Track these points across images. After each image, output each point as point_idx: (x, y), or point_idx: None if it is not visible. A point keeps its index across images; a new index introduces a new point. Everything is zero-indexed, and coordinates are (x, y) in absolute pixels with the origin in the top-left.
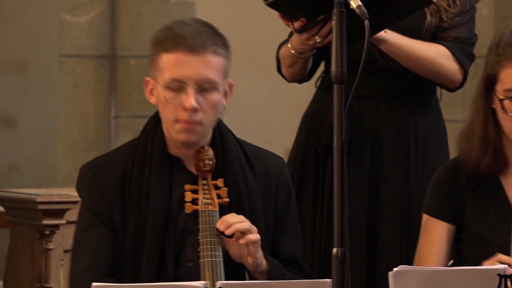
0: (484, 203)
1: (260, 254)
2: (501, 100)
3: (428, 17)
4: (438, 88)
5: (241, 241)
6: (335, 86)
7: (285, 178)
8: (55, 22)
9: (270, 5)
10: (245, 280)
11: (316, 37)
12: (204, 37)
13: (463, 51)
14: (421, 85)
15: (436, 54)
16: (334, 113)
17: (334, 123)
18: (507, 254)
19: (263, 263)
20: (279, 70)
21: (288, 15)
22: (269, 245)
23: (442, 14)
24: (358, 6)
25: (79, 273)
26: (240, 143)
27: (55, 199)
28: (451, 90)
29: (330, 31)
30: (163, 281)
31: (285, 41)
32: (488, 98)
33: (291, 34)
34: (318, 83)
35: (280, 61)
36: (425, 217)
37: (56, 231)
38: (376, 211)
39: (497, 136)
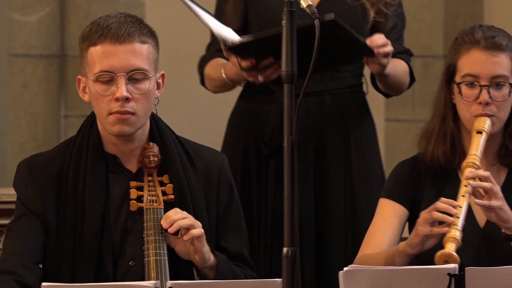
0: (441, 195)
1: (206, 249)
2: (458, 85)
3: (371, 13)
4: (364, 83)
5: (185, 237)
6: (285, 85)
7: (226, 174)
8: (4, 21)
9: (230, 49)
10: (194, 277)
11: (259, 76)
12: (129, 26)
13: (410, 63)
14: (354, 81)
15: (405, 75)
16: (285, 112)
17: (285, 122)
18: (464, 246)
19: (211, 258)
20: (202, 83)
21: (239, 55)
22: (213, 241)
23: (382, 7)
24: (308, 6)
25: (6, 255)
26: (180, 139)
27: (5, 199)
28: (389, 97)
29: (273, 72)
30: (102, 280)
31: (209, 57)
32: (448, 91)
33: (209, 47)
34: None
35: (205, 76)
36: (381, 200)
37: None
38: (321, 210)
39: (456, 130)
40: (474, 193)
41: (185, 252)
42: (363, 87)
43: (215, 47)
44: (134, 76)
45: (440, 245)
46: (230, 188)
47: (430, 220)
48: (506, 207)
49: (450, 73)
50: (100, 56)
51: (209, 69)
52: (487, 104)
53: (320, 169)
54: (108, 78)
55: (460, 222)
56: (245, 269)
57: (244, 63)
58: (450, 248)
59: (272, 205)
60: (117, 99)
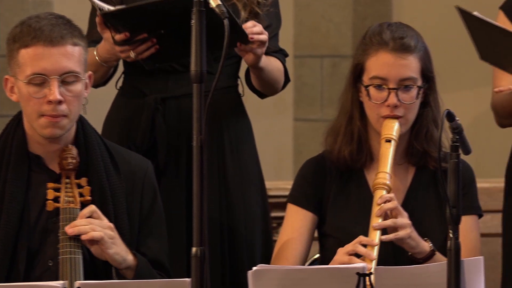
0: (348, 196)
1: (114, 251)
2: (366, 87)
3: (242, 13)
4: (240, 85)
5: (83, 237)
6: (194, 85)
7: (151, 179)
8: None
9: (104, 16)
10: (112, 277)
11: (131, 52)
12: (61, 29)
13: (285, 63)
14: (228, 83)
15: (280, 72)
16: (194, 112)
17: (194, 122)
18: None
19: (127, 259)
20: None
21: (113, 27)
22: (133, 246)
23: (256, 8)
24: (218, 6)
25: None
26: (105, 142)
27: None
28: (263, 97)
29: (146, 50)
30: (14, 280)
31: None
32: (355, 91)
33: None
34: (119, 84)
35: None
36: (289, 206)
37: None
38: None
39: (363, 129)
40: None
41: (100, 253)
42: (238, 88)
43: (91, 38)
44: (67, 79)
45: None
46: (153, 194)
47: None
48: (414, 233)
49: (357, 72)
50: (33, 58)
51: None
52: (395, 106)
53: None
54: (40, 80)
55: (374, 264)
56: (163, 276)
57: (118, 36)
58: None
59: None
60: (49, 102)
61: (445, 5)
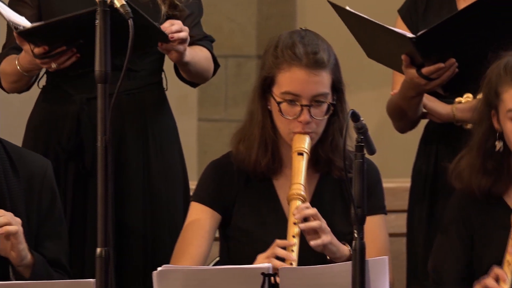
0: (256, 201)
1: (23, 246)
2: (278, 103)
3: (163, 8)
4: (164, 79)
5: (0, 231)
6: (99, 85)
7: (50, 180)
8: None
9: (21, 34)
10: (9, 275)
11: (53, 63)
12: None
13: (212, 48)
14: (152, 79)
15: (208, 61)
16: (98, 112)
17: (98, 122)
18: None
19: (28, 256)
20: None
21: (32, 42)
22: (32, 246)
23: (175, 1)
24: (122, 6)
25: None
26: (4, 144)
27: None
28: (196, 86)
29: (67, 59)
30: None
31: (4, 54)
32: (264, 100)
33: (4, 46)
34: (41, 85)
35: (0, 74)
36: (193, 204)
37: None
38: (121, 207)
39: (274, 137)
40: (304, 230)
41: (3, 248)
42: (162, 83)
43: (10, 45)
44: None
45: None
46: (52, 195)
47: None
48: (334, 240)
49: (266, 84)
50: None
51: (4, 64)
52: (307, 123)
53: (119, 167)
54: None
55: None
56: (63, 276)
57: (37, 50)
58: None
59: (71, 209)
60: None
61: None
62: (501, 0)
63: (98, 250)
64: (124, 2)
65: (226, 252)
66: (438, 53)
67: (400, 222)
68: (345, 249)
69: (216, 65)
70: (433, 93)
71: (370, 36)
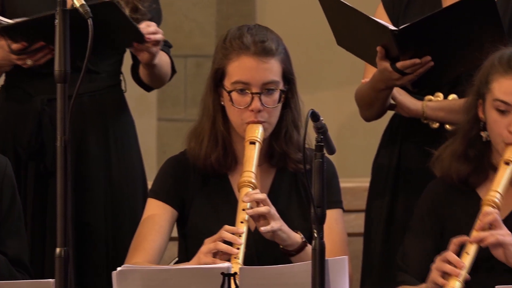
0: (213, 198)
1: None
2: (229, 92)
3: (126, 11)
4: (122, 81)
5: None
6: (58, 85)
7: (9, 178)
8: None
9: (4, 29)
10: None
11: (28, 60)
12: None
13: (170, 55)
14: (112, 81)
15: (168, 66)
16: (58, 112)
17: (58, 122)
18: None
19: None
20: None
21: (10, 37)
22: None
23: (138, 4)
24: (82, 5)
25: None
26: None
27: None
28: (150, 90)
29: (43, 56)
30: None
31: None
32: (216, 94)
33: None
34: (1, 81)
35: None
36: (149, 200)
37: None
38: (82, 209)
39: (226, 133)
40: (253, 217)
41: None
42: (121, 85)
43: None
44: None
45: None
46: (12, 192)
47: (214, 250)
48: (284, 226)
49: (218, 77)
50: None
51: None
52: (259, 111)
53: (81, 168)
54: None
55: (241, 254)
56: (24, 275)
57: (15, 46)
58: None
59: (31, 210)
60: None
61: (307, 6)
62: (485, 3)
63: (58, 250)
64: (83, 2)
65: (185, 251)
66: (415, 48)
67: (359, 222)
68: (297, 236)
69: (173, 71)
70: (404, 87)
71: (347, 24)
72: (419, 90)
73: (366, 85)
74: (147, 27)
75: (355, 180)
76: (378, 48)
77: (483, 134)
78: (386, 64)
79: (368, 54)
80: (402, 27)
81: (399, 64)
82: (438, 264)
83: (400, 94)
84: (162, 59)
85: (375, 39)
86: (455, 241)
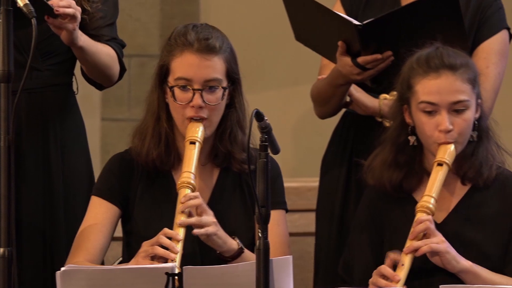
0: (155, 196)
1: None
2: (171, 88)
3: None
4: (74, 82)
5: None
6: (1, 85)
7: None
8: None
9: None
10: None
11: None
12: None
13: (122, 53)
14: (57, 80)
15: (110, 58)
16: (1, 112)
17: (1, 122)
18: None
19: None
20: None
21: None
22: None
23: (85, 5)
24: (25, 5)
25: None
26: None
27: None
28: (102, 89)
29: None
30: None
31: None
32: (161, 91)
33: None
34: None
35: None
36: (92, 198)
37: None
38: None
39: (170, 130)
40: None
41: None
42: (72, 86)
43: None
44: None
45: None
46: None
47: (152, 254)
48: (220, 232)
49: (163, 73)
50: None
51: None
52: (200, 107)
53: (17, 170)
54: None
55: (178, 258)
56: None
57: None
58: None
59: None
60: None
61: (252, 6)
62: (446, 2)
63: (1, 250)
64: (27, 2)
65: (128, 250)
66: (377, 44)
67: (303, 221)
68: (233, 243)
69: (123, 69)
70: (360, 84)
71: (309, 19)
72: (377, 86)
73: (324, 81)
74: (58, 1)
75: (299, 180)
76: (340, 43)
77: (410, 138)
78: (347, 59)
79: (328, 49)
80: (366, 22)
81: (360, 59)
82: (374, 279)
83: (357, 91)
84: (100, 47)
85: (337, 34)
86: (391, 256)
